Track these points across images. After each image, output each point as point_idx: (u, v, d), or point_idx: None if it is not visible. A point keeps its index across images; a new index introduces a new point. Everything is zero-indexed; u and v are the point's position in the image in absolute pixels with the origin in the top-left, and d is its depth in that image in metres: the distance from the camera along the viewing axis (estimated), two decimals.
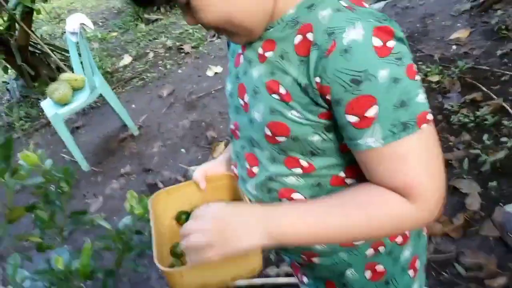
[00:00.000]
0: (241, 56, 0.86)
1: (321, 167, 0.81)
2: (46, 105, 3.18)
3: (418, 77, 0.69)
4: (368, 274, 0.89)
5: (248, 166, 0.92)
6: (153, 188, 2.78)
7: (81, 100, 3.12)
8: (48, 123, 3.93)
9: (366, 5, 0.72)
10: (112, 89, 3.50)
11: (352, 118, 0.68)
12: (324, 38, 0.67)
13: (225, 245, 0.71)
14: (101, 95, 3.24)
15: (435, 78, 2.90)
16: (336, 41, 0.65)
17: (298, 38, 0.72)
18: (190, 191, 1.05)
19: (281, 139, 0.79)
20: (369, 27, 0.65)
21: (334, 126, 0.74)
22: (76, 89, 3.24)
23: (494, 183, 2.03)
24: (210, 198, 1.03)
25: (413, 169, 0.69)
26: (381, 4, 4.15)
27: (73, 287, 1.05)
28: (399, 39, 0.67)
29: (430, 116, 0.69)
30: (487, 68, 2.87)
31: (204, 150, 3.04)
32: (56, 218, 1.15)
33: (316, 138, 0.76)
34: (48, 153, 3.40)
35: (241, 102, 0.87)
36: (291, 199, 0.85)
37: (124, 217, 1.25)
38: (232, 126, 0.96)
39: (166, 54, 4.69)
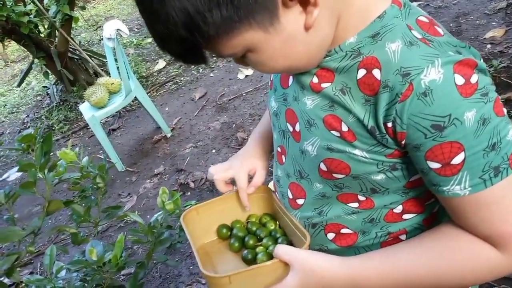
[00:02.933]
0: (291, 78, 0.79)
1: (381, 205, 0.74)
2: (84, 108, 3.30)
3: (505, 110, 0.61)
4: None
5: (291, 196, 0.86)
6: (184, 188, 2.85)
7: (117, 103, 3.22)
8: (86, 126, 4.08)
9: (440, 31, 0.64)
10: (147, 93, 3.60)
11: (434, 165, 0.61)
12: (397, 80, 0.59)
13: None
14: (136, 99, 3.34)
15: None
16: (413, 84, 0.57)
17: (362, 73, 0.64)
18: (222, 206, 1.02)
19: (338, 176, 0.72)
20: (450, 64, 0.57)
21: (402, 163, 0.67)
22: (112, 93, 3.36)
23: None
24: (243, 212, 1.03)
25: (508, 217, 0.61)
26: (414, 4, 4.09)
27: (106, 278, 1.10)
28: (481, 70, 0.59)
29: None
30: None
31: (234, 151, 3.08)
32: (91, 213, 1.20)
33: (380, 177, 0.69)
34: (85, 154, 3.51)
35: (290, 128, 0.79)
36: (338, 233, 0.80)
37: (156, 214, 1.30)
38: (278, 149, 0.88)
39: None
